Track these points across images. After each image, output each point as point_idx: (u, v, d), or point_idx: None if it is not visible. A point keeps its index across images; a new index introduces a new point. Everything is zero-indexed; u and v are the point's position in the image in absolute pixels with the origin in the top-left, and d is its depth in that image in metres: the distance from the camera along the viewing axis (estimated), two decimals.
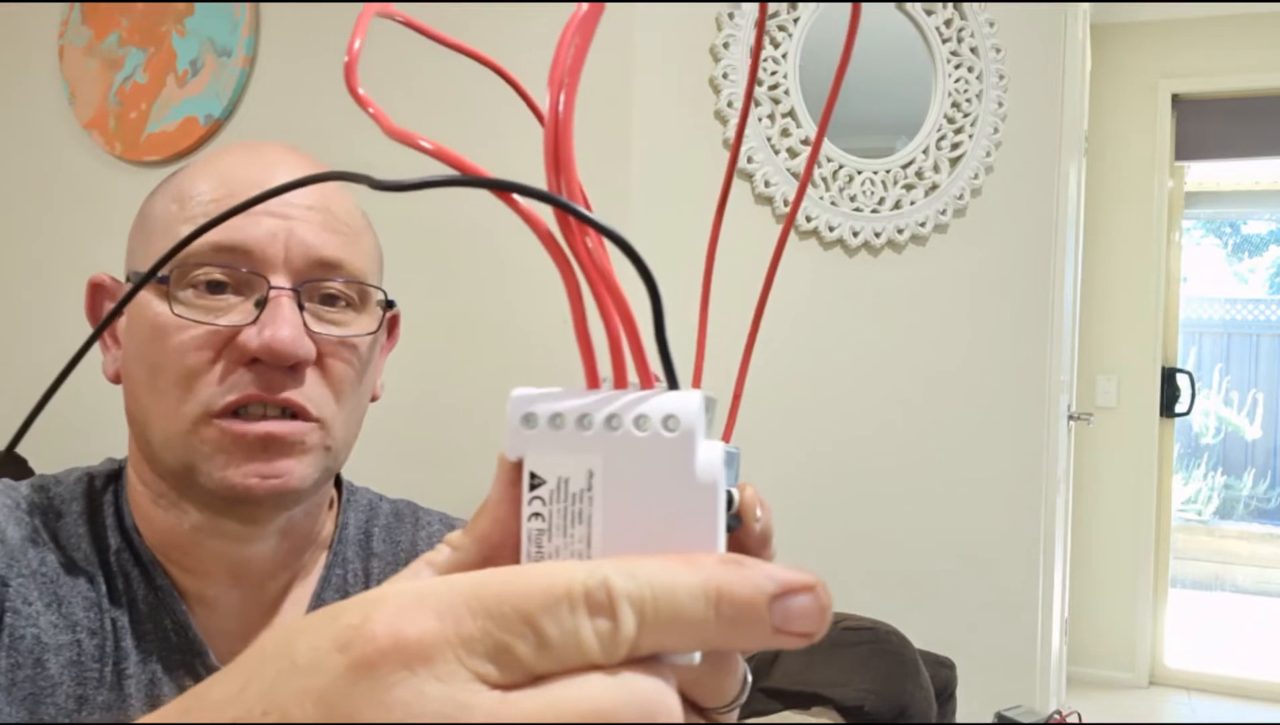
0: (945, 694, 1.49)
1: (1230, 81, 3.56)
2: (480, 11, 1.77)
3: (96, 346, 0.70)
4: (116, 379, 0.68)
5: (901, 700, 1.36)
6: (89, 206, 2.12)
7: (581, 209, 0.24)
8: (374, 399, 0.72)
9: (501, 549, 0.26)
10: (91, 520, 0.66)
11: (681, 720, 0.23)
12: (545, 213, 0.25)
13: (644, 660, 0.23)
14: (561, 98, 0.25)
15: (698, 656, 0.24)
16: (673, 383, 0.25)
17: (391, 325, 0.74)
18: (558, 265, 0.25)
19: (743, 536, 0.32)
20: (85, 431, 2.02)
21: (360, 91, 0.27)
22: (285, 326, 0.61)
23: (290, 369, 0.62)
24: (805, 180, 0.38)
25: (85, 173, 2.12)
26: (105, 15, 2.09)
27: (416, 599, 0.22)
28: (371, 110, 0.27)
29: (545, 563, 0.24)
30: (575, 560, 0.24)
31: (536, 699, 0.22)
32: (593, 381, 0.25)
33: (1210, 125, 3.65)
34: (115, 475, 0.69)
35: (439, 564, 0.27)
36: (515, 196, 0.24)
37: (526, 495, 0.25)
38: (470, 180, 0.24)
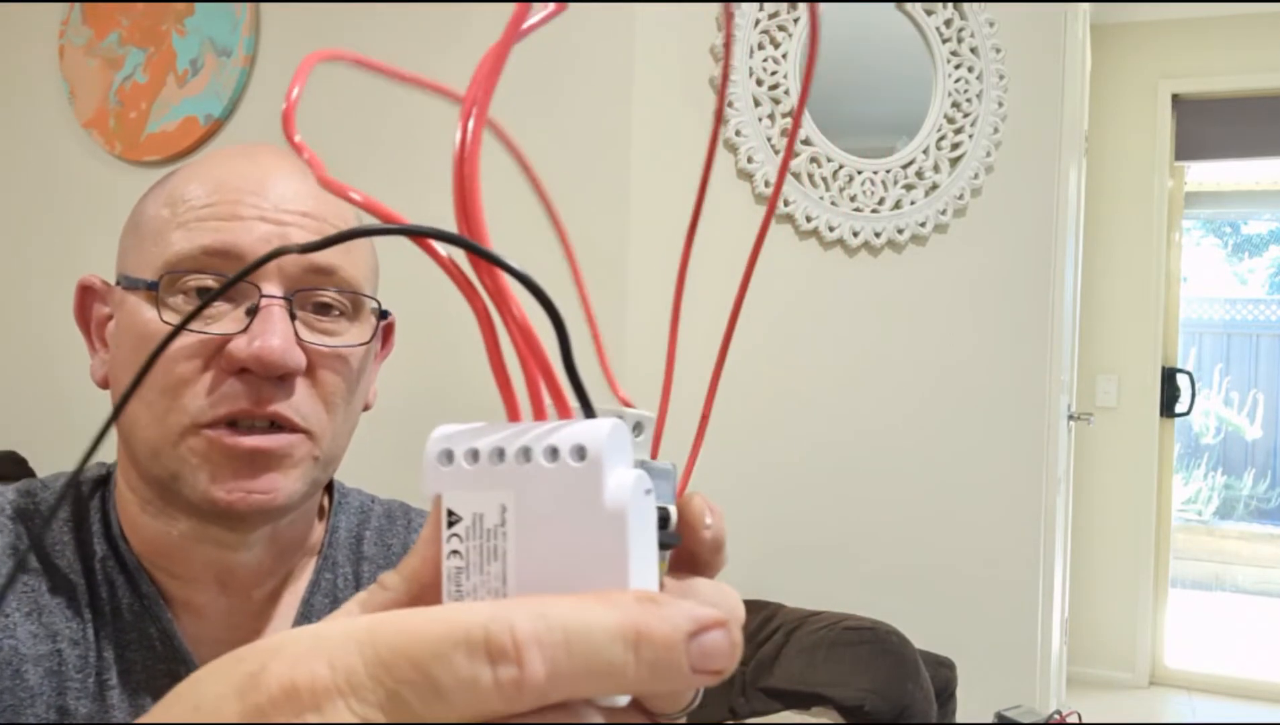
0: (945, 694, 1.49)
1: (1230, 81, 3.56)
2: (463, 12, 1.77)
3: (84, 347, 0.70)
4: (105, 384, 0.67)
5: (901, 700, 1.36)
6: (89, 206, 2.12)
7: (485, 249, 0.24)
8: (367, 408, 0.71)
9: (431, 588, 0.26)
10: (77, 527, 0.65)
11: None
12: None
13: (561, 705, 0.22)
14: (469, 129, 0.24)
15: (623, 700, 0.23)
16: (588, 412, 0.24)
17: (386, 334, 0.73)
18: (470, 304, 0.25)
19: (694, 545, 0.30)
20: (87, 431, 2.02)
21: (296, 139, 0.27)
22: (275, 336, 0.59)
23: (280, 379, 0.61)
24: (786, 160, 0.37)
25: (85, 172, 2.12)
26: (105, 15, 2.09)
27: (312, 646, 0.22)
28: (306, 156, 0.26)
29: (450, 605, 0.24)
30: (486, 601, 0.23)
31: None
32: (513, 415, 0.25)
33: (1210, 125, 3.65)
34: (103, 480, 0.68)
35: (369, 604, 0.27)
36: (431, 242, 0.24)
37: (445, 533, 0.25)
38: (383, 229, 0.24)
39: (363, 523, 0.76)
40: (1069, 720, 1.81)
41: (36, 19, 2.19)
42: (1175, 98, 3.61)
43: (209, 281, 0.61)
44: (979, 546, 1.97)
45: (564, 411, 0.25)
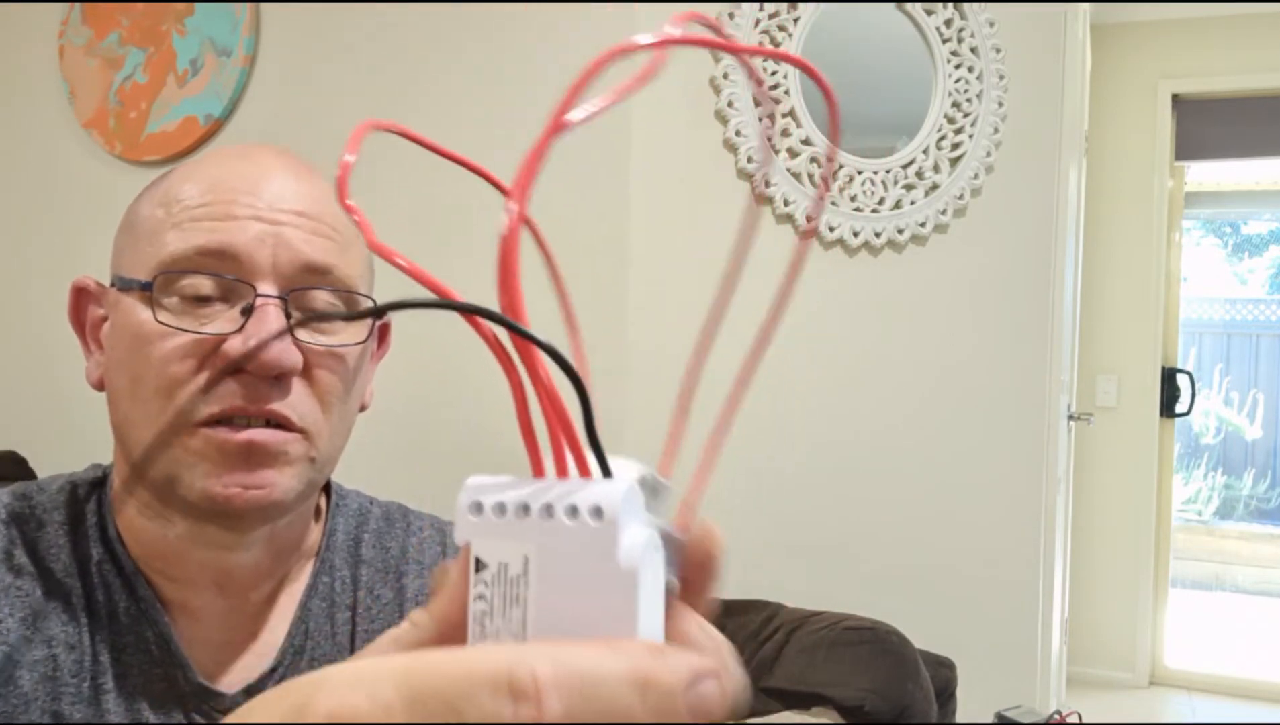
0: (945, 694, 1.49)
1: (1230, 81, 3.56)
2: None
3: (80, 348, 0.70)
4: (100, 386, 0.66)
5: (901, 700, 1.36)
6: (89, 206, 2.12)
7: (526, 329, 0.26)
8: (363, 408, 0.71)
9: (459, 628, 0.28)
10: (74, 530, 0.64)
11: None
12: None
13: None
14: (513, 217, 0.27)
15: None
16: (606, 473, 0.27)
17: (382, 334, 0.73)
18: (504, 371, 0.27)
19: (696, 576, 0.31)
20: (87, 431, 2.02)
21: (348, 201, 0.29)
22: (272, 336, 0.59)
23: (276, 379, 0.61)
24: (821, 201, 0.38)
25: (85, 172, 2.12)
26: (105, 14, 2.09)
27: (353, 681, 0.25)
28: (356, 219, 0.29)
29: (477, 647, 0.26)
30: (507, 644, 0.26)
31: None
32: (538, 471, 0.27)
33: (1210, 125, 3.65)
34: (100, 482, 0.68)
35: (402, 641, 0.29)
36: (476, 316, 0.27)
37: (472, 578, 0.27)
38: (433, 303, 0.26)
39: (360, 525, 0.75)
40: (1069, 720, 1.81)
41: (36, 19, 2.19)
42: (1175, 98, 3.61)
43: (203, 282, 0.61)
44: (979, 546, 1.97)
45: (584, 470, 0.27)
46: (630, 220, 1.66)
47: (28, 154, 2.21)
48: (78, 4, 2.12)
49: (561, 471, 0.27)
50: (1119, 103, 3.60)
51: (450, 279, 0.27)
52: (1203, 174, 5.47)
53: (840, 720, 1.34)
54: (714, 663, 0.25)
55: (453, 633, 0.29)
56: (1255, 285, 7.14)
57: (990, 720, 1.77)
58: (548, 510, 0.26)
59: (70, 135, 2.14)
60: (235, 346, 0.60)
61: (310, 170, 0.66)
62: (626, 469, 0.28)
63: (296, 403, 0.61)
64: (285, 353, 0.60)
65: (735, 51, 0.31)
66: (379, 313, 0.28)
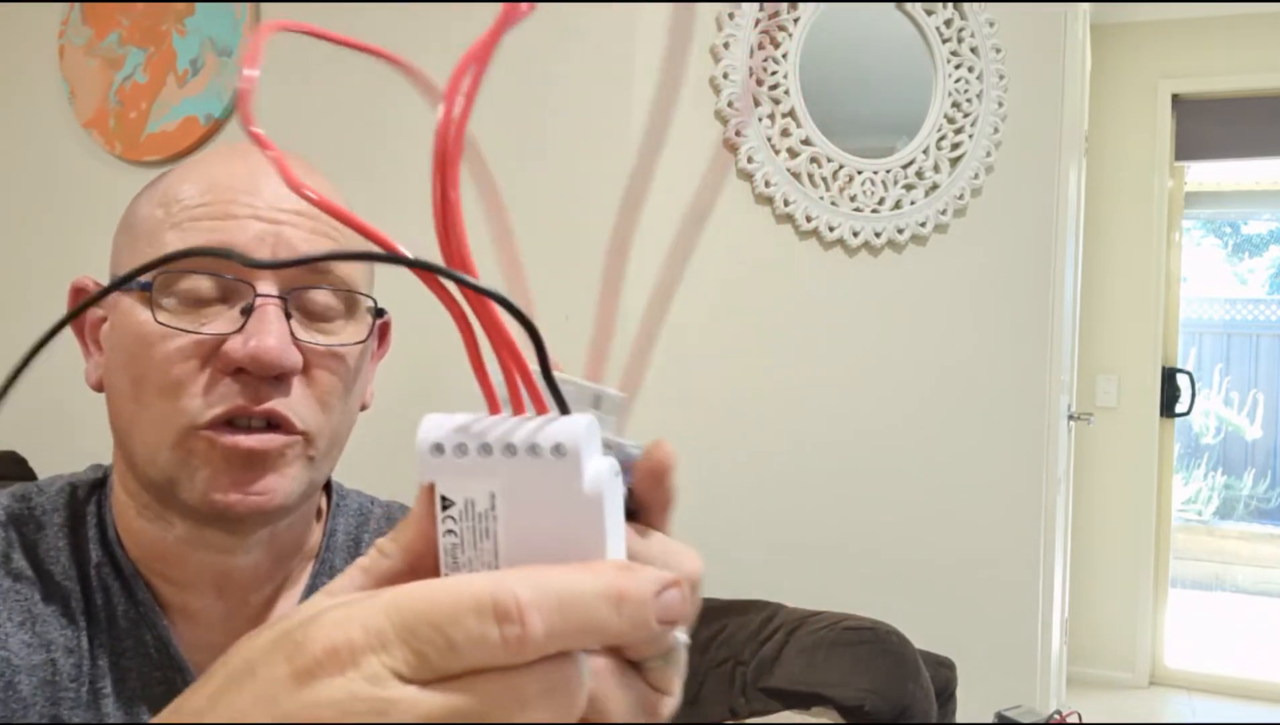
0: (945, 694, 1.49)
1: (1230, 81, 3.56)
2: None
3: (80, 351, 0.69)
4: (99, 387, 0.66)
5: (902, 700, 1.36)
6: (89, 206, 2.12)
7: (464, 276, 0.27)
8: (364, 408, 0.71)
9: (425, 558, 0.30)
10: (73, 532, 0.64)
11: (583, 698, 0.27)
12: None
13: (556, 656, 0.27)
14: (451, 129, 0.27)
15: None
16: (564, 410, 0.28)
17: (383, 333, 0.73)
18: (451, 314, 0.28)
19: (652, 493, 0.32)
20: (87, 431, 2.02)
21: (255, 129, 0.28)
22: (271, 336, 0.59)
23: (276, 379, 0.60)
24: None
25: (85, 172, 2.12)
26: (105, 14, 2.09)
27: (345, 615, 0.27)
28: (272, 154, 0.29)
29: (460, 575, 0.28)
30: (489, 572, 0.27)
31: (451, 689, 0.26)
32: (494, 408, 0.28)
33: (1210, 125, 3.65)
34: (99, 484, 0.68)
35: (372, 570, 0.31)
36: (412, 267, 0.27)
37: (439, 515, 0.28)
38: (376, 256, 0.27)
39: (361, 525, 0.75)
40: (1069, 720, 1.81)
41: (36, 19, 2.19)
42: (1175, 98, 3.61)
43: (203, 283, 0.61)
44: (979, 546, 1.97)
45: (539, 406, 0.28)
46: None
47: (28, 154, 2.21)
48: (78, 4, 2.12)
49: (518, 408, 0.28)
50: (1119, 103, 3.60)
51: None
52: (1203, 174, 5.47)
53: (840, 720, 1.34)
54: (674, 574, 0.28)
55: (419, 562, 0.30)
56: (1255, 285, 7.14)
57: (990, 720, 1.77)
58: (510, 449, 0.27)
59: (70, 135, 2.14)
60: (235, 347, 0.59)
61: (309, 169, 0.66)
62: (581, 390, 0.30)
63: (296, 403, 0.61)
64: (285, 353, 0.59)
65: None
66: (303, 263, 0.31)
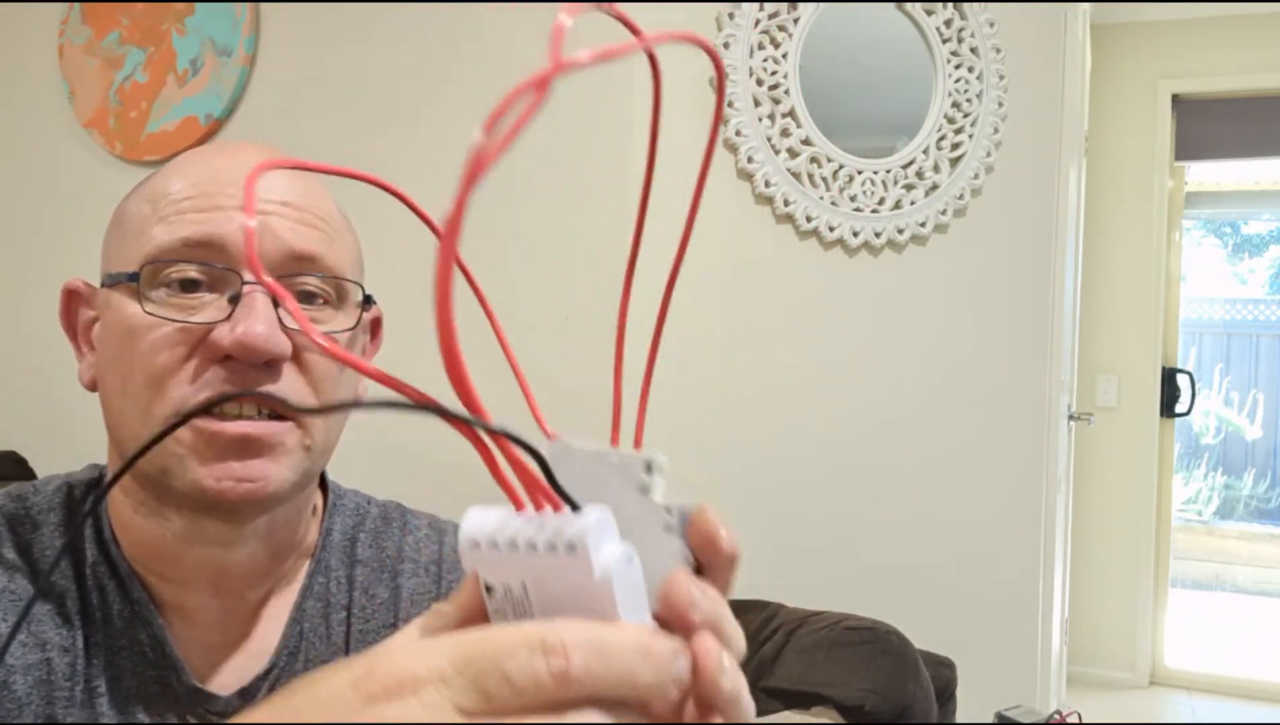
0: (945, 694, 1.49)
1: (1230, 81, 3.56)
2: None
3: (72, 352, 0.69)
4: (92, 386, 0.66)
5: (902, 700, 1.36)
6: (89, 206, 2.12)
7: (482, 422, 0.31)
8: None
9: (478, 618, 0.34)
10: (68, 531, 0.64)
11: None
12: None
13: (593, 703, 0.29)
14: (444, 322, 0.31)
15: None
16: (574, 508, 0.32)
17: (375, 328, 0.73)
18: (469, 439, 0.32)
19: (708, 557, 0.35)
20: (87, 431, 2.02)
21: (267, 278, 0.34)
22: (259, 322, 0.59)
23: (266, 366, 0.60)
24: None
25: (85, 172, 2.12)
26: (105, 14, 2.09)
27: (410, 651, 0.30)
28: (281, 295, 0.34)
29: (510, 623, 0.32)
30: (537, 621, 0.31)
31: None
32: (518, 506, 0.32)
33: (1210, 125, 3.65)
34: (96, 483, 0.68)
35: (428, 628, 0.34)
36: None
37: (485, 595, 0.33)
38: (399, 404, 0.32)
39: (357, 524, 0.75)
40: (1069, 720, 1.81)
41: (36, 19, 2.19)
42: (1175, 98, 3.61)
43: (191, 272, 0.61)
44: (979, 546, 1.97)
45: (556, 505, 0.32)
46: (631, 219, 1.66)
47: (28, 154, 2.21)
48: (78, 3, 2.12)
49: (539, 506, 0.32)
50: (1119, 103, 3.60)
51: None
52: (1203, 174, 5.47)
53: (840, 720, 1.34)
54: (682, 645, 0.32)
55: (474, 621, 0.34)
56: (1255, 285, 7.14)
57: (990, 720, 1.77)
58: (532, 546, 0.31)
59: (70, 135, 2.14)
60: (223, 334, 0.59)
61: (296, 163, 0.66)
62: (631, 462, 0.34)
63: (288, 389, 0.61)
64: (272, 338, 0.59)
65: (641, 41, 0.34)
66: (339, 408, 0.36)
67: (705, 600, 0.33)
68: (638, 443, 0.37)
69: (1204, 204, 5.91)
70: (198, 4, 2.00)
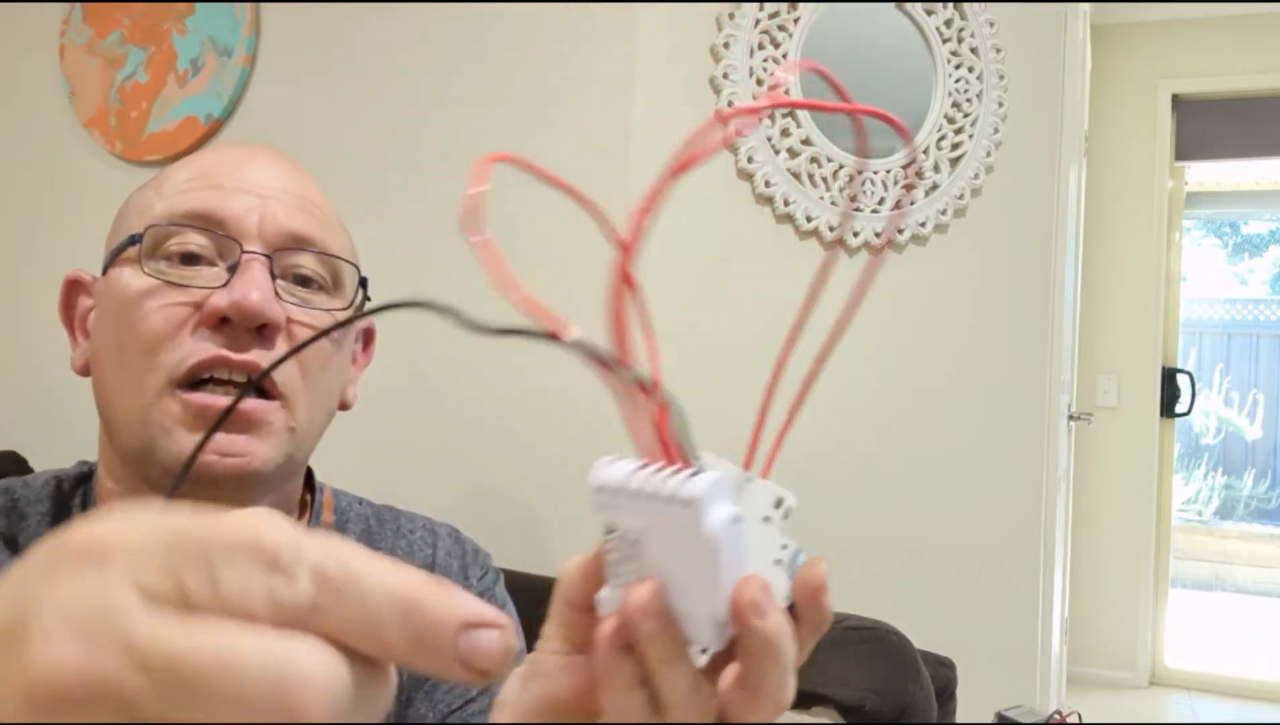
0: (945, 694, 1.49)
1: (1230, 81, 3.56)
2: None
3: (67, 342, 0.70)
4: (85, 371, 0.67)
5: (902, 700, 1.36)
6: (89, 206, 2.12)
7: (637, 372, 0.35)
8: (346, 407, 0.71)
9: (596, 574, 0.36)
10: (56, 523, 0.64)
11: (323, 715, 0.22)
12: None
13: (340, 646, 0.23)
14: (618, 277, 0.36)
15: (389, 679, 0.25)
16: (695, 472, 0.34)
17: (367, 339, 0.74)
18: (619, 396, 0.36)
19: (804, 607, 0.37)
20: (85, 431, 2.01)
21: (479, 237, 0.36)
22: (255, 288, 0.61)
23: (259, 333, 0.62)
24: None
25: (86, 172, 2.13)
26: (106, 14, 2.10)
27: (129, 516, 0.24)
28: (485, 255, 0.36)
29: (268, 515, 0.25)
30: (319, 534, 0.26)
31: (178, 627, 0.22)
32: (646, 460, 0.35)
33: (1210, 125, 3.65)
34: (85, 478, 0.68)
35: (582, 564, 0.37)
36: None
37: (604, 536, 0.36)
38: (546, 334, 0.34)
39: (342, 522, 0.75)
40: (1069, 720, 1.81)
41: (37, 19, 2.19)
42: (1175, 98, 3.61)
43: (191, 247, 0.62)
44: (979, 546, 1.97)
45: (685, 463, 0.35)
46: (629, 219, 1.66)
47: (28, 153, 2.21)
48: (78, 3, 2.12)
49: (670, 460, 0.35)
50: (1119, 103, 3.60)
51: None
52: (1203, 174, 5.47)
53: (840, 720, 1.34)
54: (500, 617, 0.25)
55: (593, 577, 0.36)
56: (1255, 285, 7.14)
57: (990, 720, 1.77)
58: (654, 497, 0.34)
59: (71, 135, 2.14)
60: (220, 297, 0.61)
61: (294, 165, 0.69)
62: (767, 491, 0.39)
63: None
64: (267, 303, 0.61)
65: (848, 111, 0.38)
66: (501, 332, 0.34)
67: (773, 616, 0.34)
68: (766, 473, 0.42)
69: (1204, 204, 5.91)
70: (198, 4, 2.00)
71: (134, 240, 0.62)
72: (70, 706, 0.21)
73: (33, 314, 2.14)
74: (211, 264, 0.63)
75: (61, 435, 2.06)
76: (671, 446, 0.35)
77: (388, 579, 0.24)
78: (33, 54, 2.20)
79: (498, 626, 0.24)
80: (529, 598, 0.84)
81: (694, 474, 0.34)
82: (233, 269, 0.62)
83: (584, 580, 0.37)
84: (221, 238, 0.63)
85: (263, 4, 1.96)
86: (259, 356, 0.62)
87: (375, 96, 1.86)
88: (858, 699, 1.34)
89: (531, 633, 0.82)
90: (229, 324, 0.61)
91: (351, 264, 0.69)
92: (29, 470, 1.97)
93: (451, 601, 0.24)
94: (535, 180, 0.32)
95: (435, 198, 1.79)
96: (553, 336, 0.34)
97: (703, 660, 0.33)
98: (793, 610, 0.37)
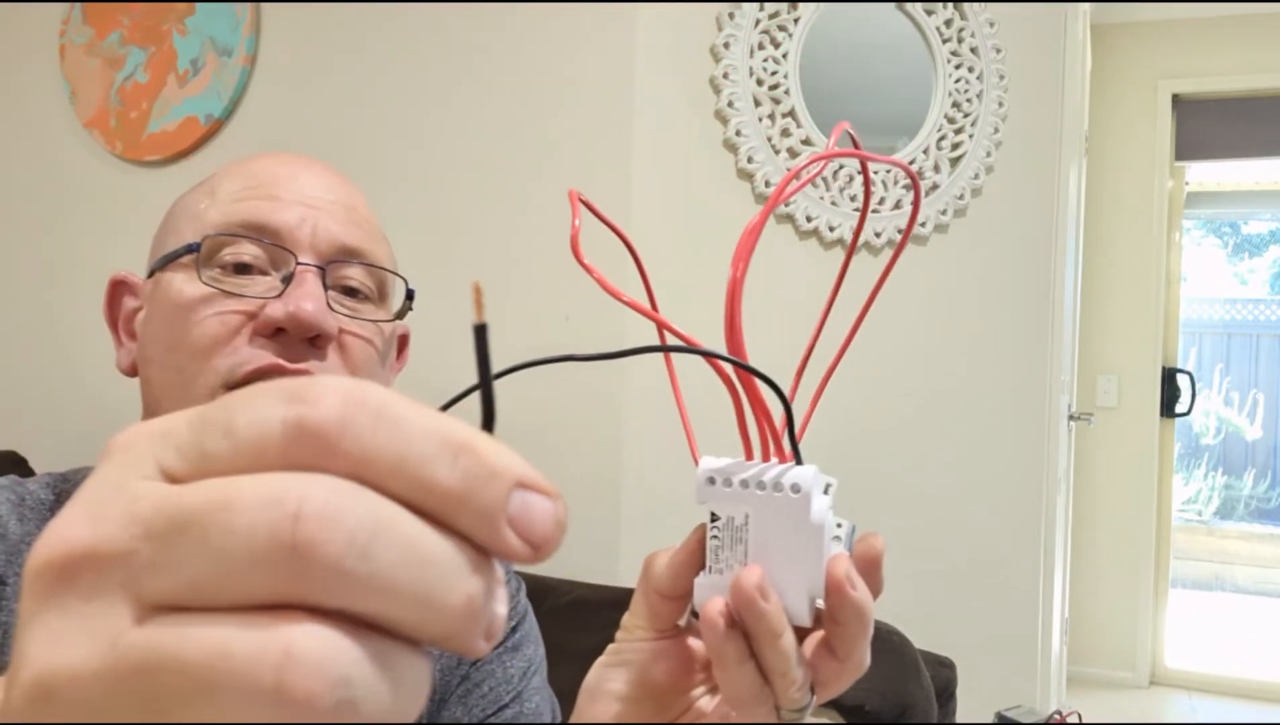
0: (945, 694, 1.49)
1: (1230, 81, 3.56)
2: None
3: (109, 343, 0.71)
4: (131, 371, 0.68)
5: (902, 700, 1.36)
6: (90, 206, 2.12)
7: (757, 369, 0.37)
8: None
9: (698, 556, 0.39)
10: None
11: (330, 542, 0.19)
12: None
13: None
14: (733, 283, 0.38)
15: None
16: (799, 461, 0.38)
17: (401, 345, 0.76)
18: (728, 390, 0.39)
19: (864, 577, 0.40)
20: (85, 430, 2.01)
21: (585, 261, 0.41)
22: (310, 298, 0.62)
23: (313, 343, 0.63)
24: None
25: (86, 172, 2.12)
26: (106, 14, 2.10)
27: (176, 414, 0.22)
28: (595, 276, 0.41)
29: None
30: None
31: (179, 487, 0.20)
32: (749, 456, 0.39)
33: (1210, 125, 3.65)
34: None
35: (673, 555, 0.41)
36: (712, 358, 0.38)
37: (709, 524, 0.39)
38: (666, 347, 0.38)
39: None
40: (1069, 720, 1.81)
41: (37, 19, 2.20)
42: (1175, 98, 3.61)
43: (245, 257, 0.64)
44: (979, 546, 1.97)
45: (783, 457, 0.39)
46: (630, 220, 1.66)
47: (28, 153, 2.21)
48: (78, 3, 2.12)
49: (766, 457, 0.39)
50: (1119, 103, 3.60)
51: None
52: (1203, 174, 5.47)
53: (840, 720, 1.34)
54: (554, 487, 0.22)
55: (694, 559, 0.39)
56: (1255, 285, 7.14)
57: (990, 720, 1.77)
58: (760, 485, 0.37)
59: (71, 135, 2.14)
60: (276, 308, 0.62)
61: (343, 175, 0.71)
62: (814, 479, 0.39)
63: (332, 371, 0.64)
64: (322, 313, 0.63)
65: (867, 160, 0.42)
66: (638, 353, 0.37)
67: (862, 588, 0.39)
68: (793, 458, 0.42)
69: (1204, 204, 5.91)
70: (198, 4, 2.00)
71: (191, 248, 0.63)
72: (77, 580, 0.20)
73: (33, 314, 2.14)
74: (264, 273, 0.64)
75: (62, 436, 2.06)
76: (778, 442, 0.38)
77: (435, 416, 0.21)
78: (33, 54, 2.20)
79: (551, 494, 0.21)
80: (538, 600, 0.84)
81: (795, 464, 0.38)
82: (287, 280, 0.64)
83: (675, 571, 0.40)
84: (275, 248, 0.64)
85: (263, 4, 1.96)
86: (313, 366, 0.63)
87: (375, 96, 1.86)
88: (858, 699, 1.34)
89: (549, 637, 0.83)
90: (283, 334, 0.62)
91: (398, 276, 0.71)
92: (29, 470, 1.97)
93: (509, 454, 0.21)
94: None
95: (435, 197, 1.79)
96: (684, 348, 0.37)
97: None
98: None
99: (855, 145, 0.41)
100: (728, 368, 0.38)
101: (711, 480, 0.38)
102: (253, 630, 0.18)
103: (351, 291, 0.67)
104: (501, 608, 0.21)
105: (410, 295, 0.71)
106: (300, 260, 0.64)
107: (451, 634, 0.20)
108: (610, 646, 0.43)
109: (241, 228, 0.64)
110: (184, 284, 0.63)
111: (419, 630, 0.20)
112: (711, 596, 0.37)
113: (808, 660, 0.39)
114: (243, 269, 0.64)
